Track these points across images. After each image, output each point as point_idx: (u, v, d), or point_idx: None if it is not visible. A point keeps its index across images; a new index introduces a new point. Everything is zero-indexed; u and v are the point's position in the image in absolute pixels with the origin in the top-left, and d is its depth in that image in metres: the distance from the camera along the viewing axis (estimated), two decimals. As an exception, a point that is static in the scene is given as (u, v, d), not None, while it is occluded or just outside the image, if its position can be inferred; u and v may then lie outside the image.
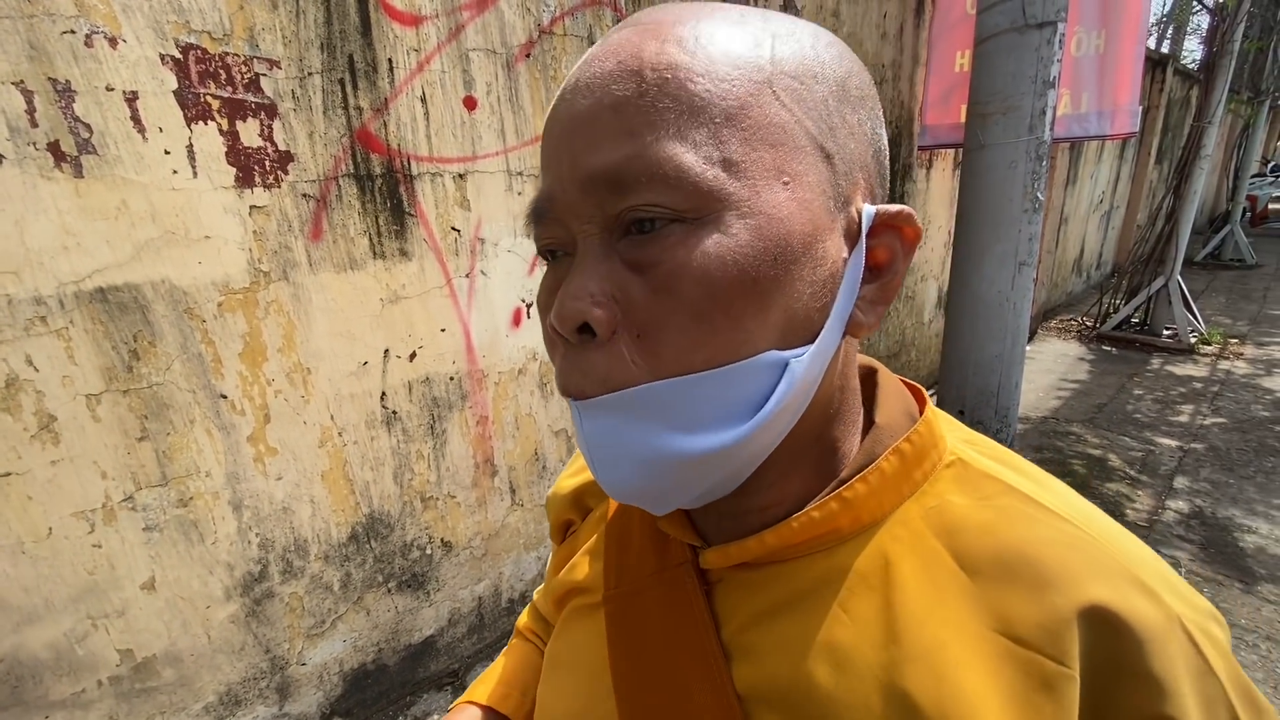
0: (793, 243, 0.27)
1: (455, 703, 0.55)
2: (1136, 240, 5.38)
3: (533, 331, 1.81)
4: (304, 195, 1.34)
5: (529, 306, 1.78)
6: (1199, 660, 0.27)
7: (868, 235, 0.30)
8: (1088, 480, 2.84)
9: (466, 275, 1.63)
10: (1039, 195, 2.71)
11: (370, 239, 1.45)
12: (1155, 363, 4.53)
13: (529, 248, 1.74)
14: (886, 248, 0.31)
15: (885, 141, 0.32)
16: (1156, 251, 4.92)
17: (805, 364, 0.28)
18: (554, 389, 1.94)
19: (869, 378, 0.37)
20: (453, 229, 1.58)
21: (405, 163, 1.47)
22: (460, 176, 1.56)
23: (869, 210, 0.30)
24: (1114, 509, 2.61)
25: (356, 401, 1.51)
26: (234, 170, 1.24)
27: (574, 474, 0.51)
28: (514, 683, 0.55)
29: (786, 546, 0.32)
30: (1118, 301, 5.29)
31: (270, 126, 1.27)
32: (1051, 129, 2.61)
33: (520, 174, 1.67)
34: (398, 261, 1.50)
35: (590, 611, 0.40)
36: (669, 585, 0.35)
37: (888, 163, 0.32)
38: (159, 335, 1.22)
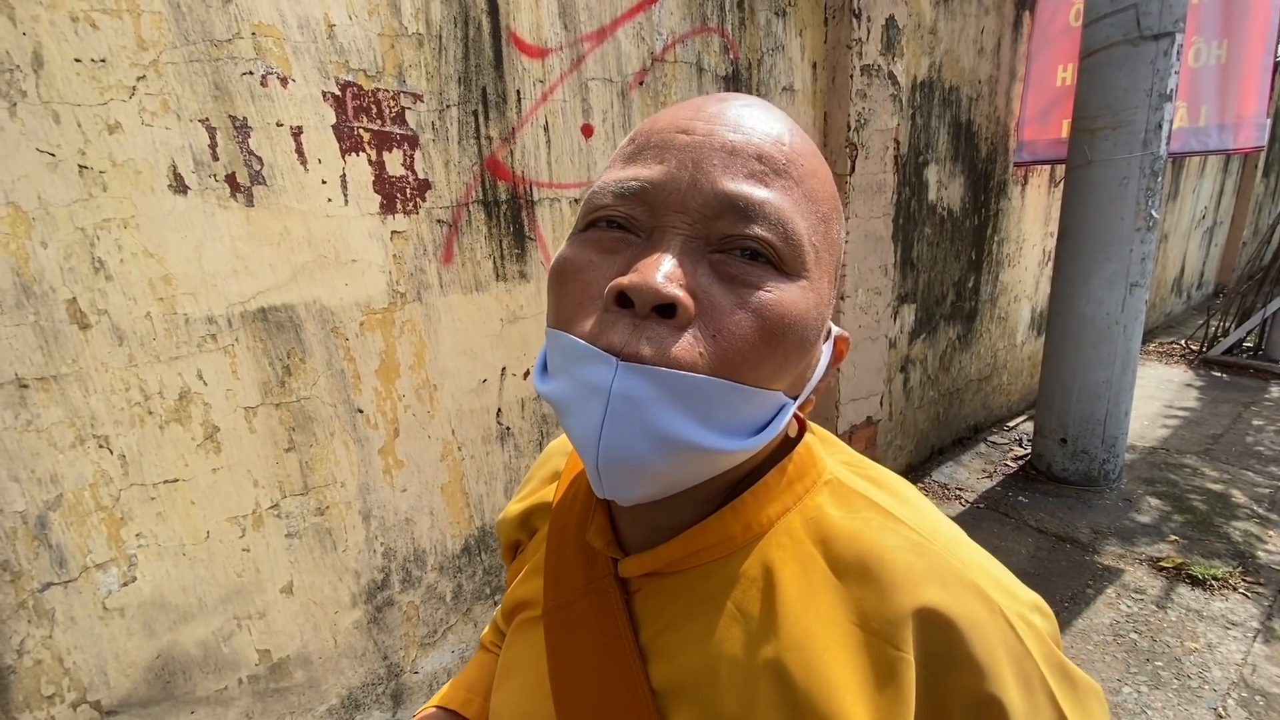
0: (821, 324, 0.35)
1: (421, 709, 0.59)
2: (1249, 258, 5.00)
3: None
4: (438, 221, 1.40)
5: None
6: (1018, 645, 0.32)
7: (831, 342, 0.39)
8: (1209, 518, 2.64)
9: (578, 296, 1.67)
10: (1153, 213, 2.57)
11: (494, 262, 1.50)
12: (1275, 391, 4.18)
13: (635, 269, 1.76)
14: (834, 353, 0.39)
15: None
16: (1272, 271, 4.56)
17: (790, 410, 0.35)
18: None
19: None
20: (567, 251, 1.62)
21: (528, 189, 1.52)
22: (576, 201, 1.61)
23: (832, 326, 0.39)
24: (1243, 550, 2.41)
25: (475, 417, 1.55)
26: (379, 198, 1.32)
27: (522, 499, 0.55)
28: (476, 688, 0.59)
29: (689, 554, 0.37)
30: (1227, 324, 4.92)
31: (412, 156, 1.34)
32: (1168, 144, 2.48)
33: (630, 197, 1.70)
34: (517, 283, 1.55)
35: (533, 624, 0.44)
36: (596, 596, 0.40)
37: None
38: (309, 352, 1.29)
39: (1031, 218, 3.52)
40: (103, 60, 1.03)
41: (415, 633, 1.58)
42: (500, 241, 1.51)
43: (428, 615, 1.59)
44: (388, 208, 1.33)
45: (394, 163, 1.32)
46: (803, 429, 0.42)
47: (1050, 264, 3.72)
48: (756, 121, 0.34)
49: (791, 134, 0.35)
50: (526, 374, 1.62)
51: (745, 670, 0.34)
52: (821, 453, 0.41)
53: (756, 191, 0.32)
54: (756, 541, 0.37)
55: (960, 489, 3.00)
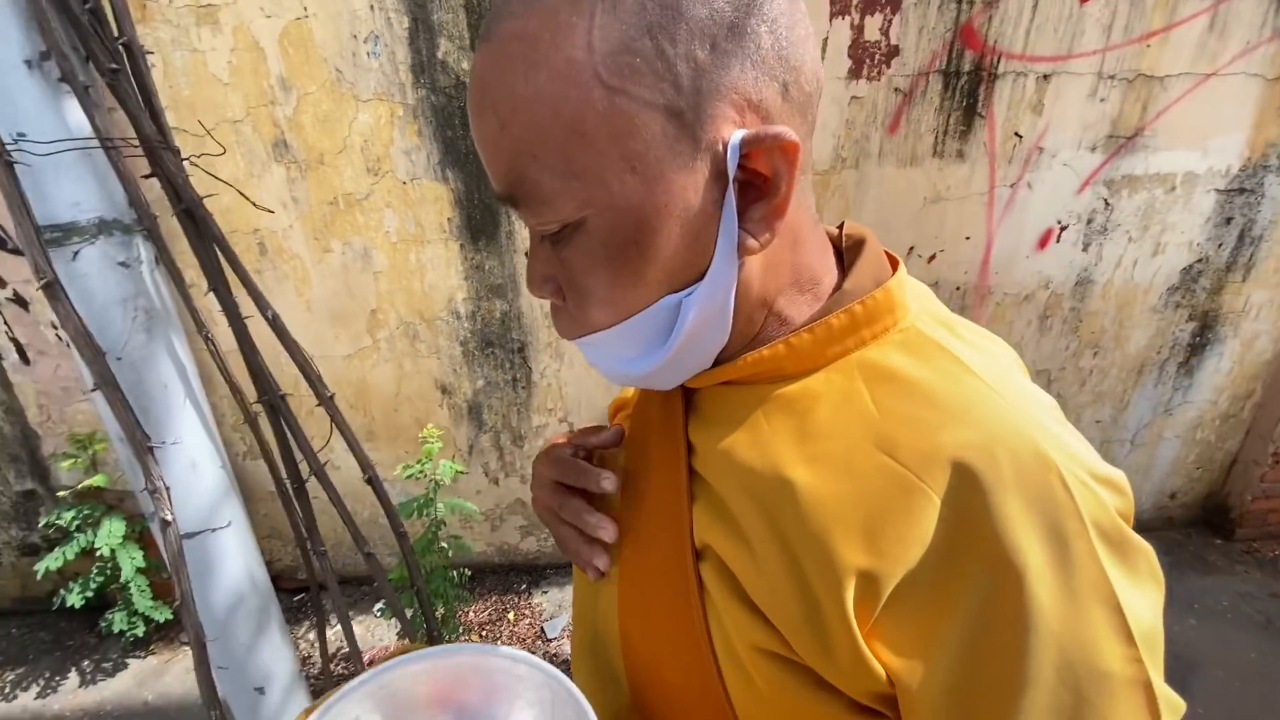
0: (648, 218, 0.32)
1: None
2: None
3: (1055, 256, 1.67)
4: (895, 89, 1.44)
5: (1063, 229, 1.64)
6: (1068, 502, 0.29)
7: (748, 157, 0.31)
8: None
9: (1011, 185, 1.57)
10: None
11: (936, 136, 1.50)
12: None
13: (1089, 162, 1.57)
14: (769, 164, 0.31)
15: (777, 36, 0.31)
16: None
17: (699, 297, 0.34)
18: (1051, 322, 1.80)
19: (856, 247, 0.40)
20: (1015, 134, 1.52)
21: (995, 60, 1.44)
22: (1044, 77, 1.46)
23: (735, 140, 0.31)
24: None
25: (873, 288, 1.66)
26: (850, 62, 1.41)
27: None
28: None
29: (739, 377, 0.39)
30: None
31: (890, 21, 1.38)
32: None
33: (1112, 77, 1.47)
34: (951, 162, 1.53)
35: (627, 417, 0.52)
36: (666, 395, 0.45)
37: (791, 50, 0.31)
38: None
39: None
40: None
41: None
42: (949, 115, 1.48)
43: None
44: (855, 73, 1.41)
45: (872, 28, 1.38)
46: (894, 269, 0.40)
47: None
48: (485, 78, 0.31)
49: (504, 86, 0.31)
50: (932, 258, 1.64)
51: (762, 465, 0.36)
52: (905, 300, 0.38)
53: (505, 179, 0.33)
54: (806, 375, 0.37)
55: None
